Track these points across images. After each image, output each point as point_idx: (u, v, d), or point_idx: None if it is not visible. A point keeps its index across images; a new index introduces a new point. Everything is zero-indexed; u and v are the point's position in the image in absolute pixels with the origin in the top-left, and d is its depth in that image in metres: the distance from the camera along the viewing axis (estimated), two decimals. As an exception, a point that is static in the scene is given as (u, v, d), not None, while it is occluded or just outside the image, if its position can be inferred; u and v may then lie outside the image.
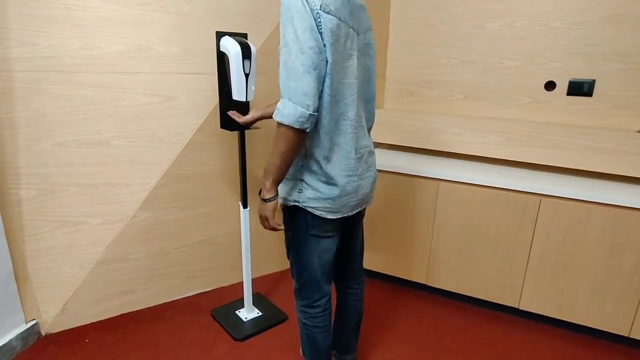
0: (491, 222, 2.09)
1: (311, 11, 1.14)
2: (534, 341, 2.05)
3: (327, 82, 1.21)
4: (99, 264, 2.03)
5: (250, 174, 2.31)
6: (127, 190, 2.02)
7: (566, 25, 2.10)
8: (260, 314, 2.16)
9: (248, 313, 2.15)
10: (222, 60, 1.75)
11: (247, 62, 1.68)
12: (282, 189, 1.38)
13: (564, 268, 1.99)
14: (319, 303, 1.48)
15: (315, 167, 1.30)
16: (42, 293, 1.93)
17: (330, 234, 1.41)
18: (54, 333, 2.00)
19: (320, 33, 1.16)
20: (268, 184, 1.28)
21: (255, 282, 2.40)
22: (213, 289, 2.43)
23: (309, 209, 1.34)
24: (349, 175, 1.33)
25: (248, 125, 1.84)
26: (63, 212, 1.90)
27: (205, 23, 2.02)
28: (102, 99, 1.87)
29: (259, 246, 2.48)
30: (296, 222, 1.39)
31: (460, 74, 2.42)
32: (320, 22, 1.15)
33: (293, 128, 1.17)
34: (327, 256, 1.44)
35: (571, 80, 2.13)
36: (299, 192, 1.34)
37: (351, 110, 1.29)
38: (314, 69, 1.15)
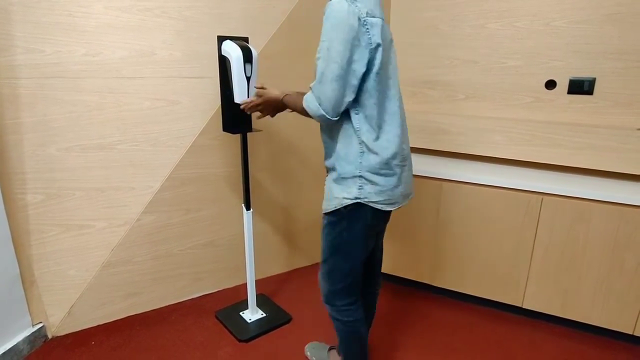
0: (494, 222, 2.10)
1: (358, 20, 1.20)
2: (539, 340, 2.05)
3: (376, 81, 1.29)
4: (104, 266, 2.05)
5: (252, 176, 2.33)
6: (132, 194, 2.04)
7: (566, 25, 2.10)
8: (264, 315, 2.17)
9: (252, 314, 2.16)
10: (224, 64, 1.77)
11: (248, 66, 1.70)
12: (336, 189, 1.39)
13: (567, 266, 1.99)
14: (358, 297, 1.53)
15: (374, 162, 1.34)
16: (48, 296, 1.95)
17: (376, 232, 1.49)
18: (61, 336, 2.02)
19: (369, 39, 1.24)
20: (283, 98, 1.52)
21: (259, 283, 2.42)
22: (217, 291, 2.44)
23: (371, 204, 1.36)
24: (402, 165, 1.40)
25: (250, 128, 1.85)
26: (69, 216, 1.92)
27: (207, 27, 2.04)
28: (106, 104, 1.89)
29: (262, 248, 2.50)
30: (353, 221, 1.40)
31: (462, 74, 2.43)
32: (368, 28, 1.23)
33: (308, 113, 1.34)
34: (367, 254, 1.50)
35: (572, 78, 2.13)
36: (359, 188, 1.36)
37: (398, 102, 1.38)
38: (341, 79, 1.24)
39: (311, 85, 1.30)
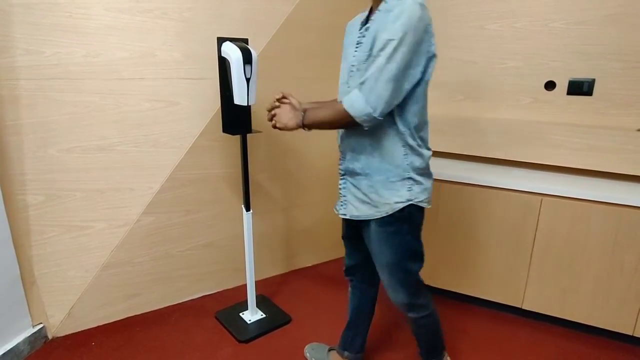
0: (493, 222, 2.10)
1: (425, 27, 1.23)
2: (538, 340, 2.05)
3: (425, 89, 1.35)
4: (104, 267, 2.05)
5: (252, 177, 2.33)
6: (132, 195, 2.04)
7: (566, 25, 2.11)
8: (264, 315, 2.18)
9: (252, 315, 2.17)
10: (224, 65, 1.78)
11: (248, 67, 1.70)
12: (385, 194, 1.38)
13: (566, 267, 1.99)
14: (424, 285, 1.58)
15: (418, 164, 1.38)
16: (48, 297, 1.96)
17: None
18: (61, 336, 2.02)
19: (429, 47, 1.27)
20: (304, 122, 1.37)
21: (258, 284, 2.42)
22: (217, 292, 2.45)
23: (419, 204, 1.40)
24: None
25: (250, 129, 1.85)
26: (69, 217, 1.92)
27: (207, 29, 2.05)
28: (106, 105, 1.89)
29: (262, 249, 2.50)
30: (411, 223, 1.42)
31: (461, 75, 2.43)
32: (430, 37, 1.26)
33: (351, 118, 1.27)
34: None
35: (571, 79, 2.13)
36: (408, 190, 1.38)
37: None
38: (397, 81, 1.22)
39: (362, 80, 1.24)
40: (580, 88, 2.12)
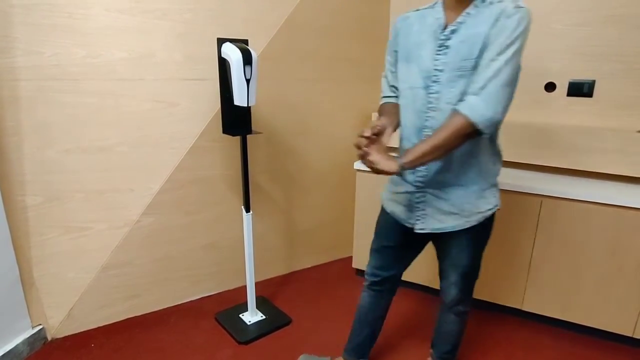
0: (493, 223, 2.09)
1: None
2: (538, 342, 2.05)
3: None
4: (104, 269, 2.05)
5: (252, 178, 2.33)
6: (132, 196, 2.04)
7: (566, 27, 2.11)
8: (264, 317, 2.17)
9: (252, 316, 2.16)
10: (224, 66, 1.78)
11: (248, 68, 1.70)
12: (478, 203, 1.39)
13: (566, 268, 1.99)
14: None
15: (499, 169, 1.44)
16: (48, 298, 1.95)
17: None
18: (60, 338, 2.02)
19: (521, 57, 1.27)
20: (407, 163, 1.21)
21: (258, 285, 2.42)
22: (217, 293, 2.44)
23: (498, 207, 1.44)
24: None
25: (250, 130, 1.85)
26: (68, 218, 1.92)
27: (207, 30, 2.04)
28: (106, 106, 1.89)
29: (262, 250, 2.50)
30: (491, 227, 1.49)
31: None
32: None
33: (473, 127, 1.19)
34: None
35: (571, 81, 2.14)
36: (494, 196, 1.43)
37: None
38: (511, 85, 1.21)
39: (481, 84, 1.19)
40: (580, 89, 2.12)
